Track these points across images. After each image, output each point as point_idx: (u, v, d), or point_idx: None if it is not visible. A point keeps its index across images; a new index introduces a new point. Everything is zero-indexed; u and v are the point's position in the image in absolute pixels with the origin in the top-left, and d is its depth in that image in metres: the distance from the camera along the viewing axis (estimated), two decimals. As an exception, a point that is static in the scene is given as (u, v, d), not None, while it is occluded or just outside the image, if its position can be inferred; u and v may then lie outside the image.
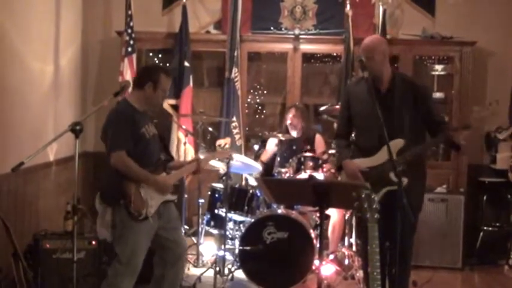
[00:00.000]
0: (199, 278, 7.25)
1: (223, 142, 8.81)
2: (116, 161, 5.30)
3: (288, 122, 8.22)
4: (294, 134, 8.18)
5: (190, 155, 8.53)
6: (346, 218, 7.90)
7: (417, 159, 5.59)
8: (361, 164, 5.75)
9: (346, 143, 6.06)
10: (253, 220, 7.23)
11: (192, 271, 7.65)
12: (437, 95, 9.27)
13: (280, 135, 8.03)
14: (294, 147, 8.05)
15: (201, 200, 7.93)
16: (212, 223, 7.82)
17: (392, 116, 5.50)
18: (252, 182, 8.05)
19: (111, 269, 5.52)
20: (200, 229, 7.94)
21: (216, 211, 7.72)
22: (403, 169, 5.28)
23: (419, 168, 5.75)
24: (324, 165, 7.61)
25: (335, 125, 7.87)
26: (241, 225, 7.61)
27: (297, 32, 9.29)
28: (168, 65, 8.96)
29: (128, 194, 5.29)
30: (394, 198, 4.96)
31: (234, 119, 8.93)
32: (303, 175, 7.48)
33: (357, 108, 5.84)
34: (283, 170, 7.74)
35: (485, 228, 8.80)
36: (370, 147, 5.71)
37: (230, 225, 7.68)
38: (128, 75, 8.54)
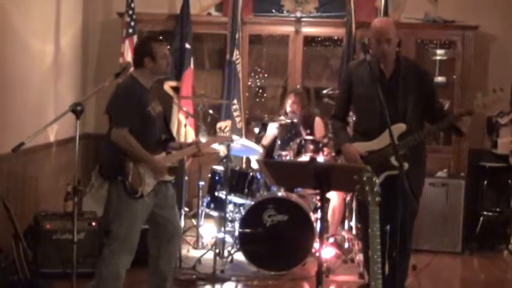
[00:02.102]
0: (199, 260, 7.25)
1: (223, 125, 8.80)
2: (117, 137, 5.30)
3: (288, 108, 8.20)
4: (293, 118, 8.15)
5: (191, 137, 8.51)
6: (347, 201, 7.90)
7: (418, 144, 5.58)
8: (361, 148, 5.71)
9: (342, 125, 6.02)
10: (253, 203, 7.24)
11: (192, 253, 7.66)
12: (439, 79, 9.25)
13: (281, 117, 8.02)
14: (294, 132, 8.03)
15: (202, 183, 7.93)
16: (212, 205, 7.84)
17: (396, 99, 5.47)
18: (254, 164, 8.05)
19: (106, 247, 5.48)
20: (200, 211, 7.94)
21: (216, 193, 7.73)
22: (404, 154, 5.27)
23: (420, 153, 5.72)
24: (324, 149, 7.60)
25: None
26: (241, 207, 7.61)
27: (298, 14, 9.26)
28: (168, 47, 8.93)
29: (126, 170, 5.29)
30: (394, 183, 4.96)
31: (235, 101, 8.92)
32: (304, 158, 7.47)
33: (359, 90, 5.79)
34: (283, 153, 7.73)
35: (485, 213, 8.81)
36: (371, 131, 5.68)
37: (230, 207, 7.69)
38: (129, 56, 8.51)
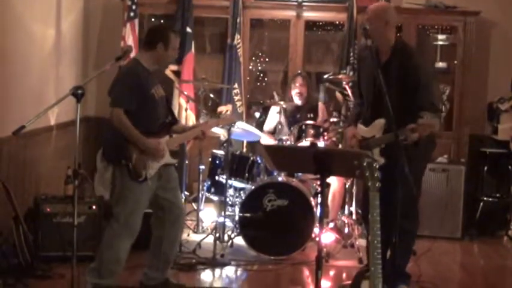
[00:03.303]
0: (199, 244, 7.26)
1: (224, 109, 8.81)
2: (113, 116, 5.36)
3: (296, 90, 8.17)
4: (298, 102, 8.15)
5: (192, 121, 8.51)
6: (347, 186, 7.91)
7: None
8: (360, 132, 5.77)
9: (358, 102, 6.12)
10: (253, 187, 7.25)
11: (192, 237, 7.67)
12: (440, 64, 9.25)
13: (282, 102, 8.00)
14: (298, 116, 8.03)
15: (202, 167, 7.92)
16: (212, 189, 7.84)
17: (389, 88, 5.37)
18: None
19: (108, 229, 5.55)
20: (200, 195, 7.95)
21: (216, 178, 7.74)
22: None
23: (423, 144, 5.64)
24: (325, 134, 7.59)
25: (337, 94, 7.89)
26: (241, 192, 7.62)
27: (300, -1, 9.25)
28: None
29: (130, 154, 5.31)
30: (392, 169, 4.96)
31: (236, 85, 8.91)
32: (304, 143, 7.47)
33: (363, 73, 5.84)
34: (284, 137, 7.73)
35: (485, 198, 8.80)
36: (364, 115, 5.76)
37: (230, 191, 7.69)
38: (130, 40, 8.52)
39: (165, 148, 5.56)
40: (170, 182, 5.70)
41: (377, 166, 3.92)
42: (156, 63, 5.64)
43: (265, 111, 8.69)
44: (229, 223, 7.52)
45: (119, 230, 5.45)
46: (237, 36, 8.89)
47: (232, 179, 7.50)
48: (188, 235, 7.71)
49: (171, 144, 5.63)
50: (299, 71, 8.61)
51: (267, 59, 10.08)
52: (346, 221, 7.86)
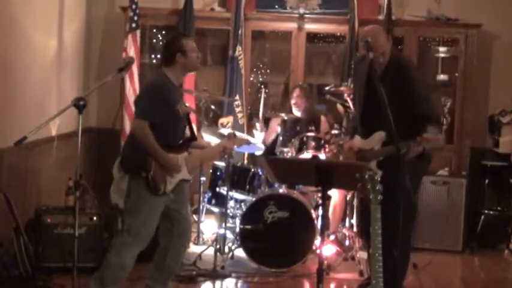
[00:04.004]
0: (199, 256, 7.27)
1: (225, 120, 8.79)
2: (136, 127, 5.40)
3: (292, 101, 8.22)
4: (297, 114, 8.18)
5: (193, 132, 8.50)
6: (348, 198, 7.90)
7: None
8: (357, 143, 5.78)
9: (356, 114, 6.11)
10: (254, 199, 7.25)
11: (193, 249, 7.65)
12: (441, 77, 9.23)
13: (283, 114, 8.01)
14: (298, 128, 8.03)
15: (203, 178, 7.93)
16: (213, 201, 7.84)
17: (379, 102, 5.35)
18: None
19: (118, 238, 5.59)
20: (201, 207, 7.95)
21: (217, 189, 7.74)
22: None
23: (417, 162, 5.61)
24: (326, 146, 7.60)
25: (338, 106, 7.88)
26: (242, 203, 7.62)
27: (301, 11, 9.24)
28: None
29: (149, 167, 5.32)
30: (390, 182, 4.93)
31: (237, 97, 8.91)
32: (306, 155, 7.48)
33: (356, 84, 5.85)
34: (285, 149, 7.73)
35: (486, 211, 8.79)
36: (356, 126, 5.77)
37: (231, 203, 7.69)
38: (132, 51, 8.51)
39: (183, 164, 5.58)
40: (181, 196, 5.73)
41: (378, 179, 3.92)
42: (184, 74, 5.74)
43: (266, 122, 8.70)
44: (229, 235, 7.52)
45: (130, 240, 5.46)
46: (239, 48, 8.90)
47: (233, 190, 7.50)
48: (189, 247, 7.69)
49: (190, 161, 5.66)
50: (300, 83, 8.63)
51: (268, 71, 10.07)
52: (347, 234, 7.86)
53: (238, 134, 7.01)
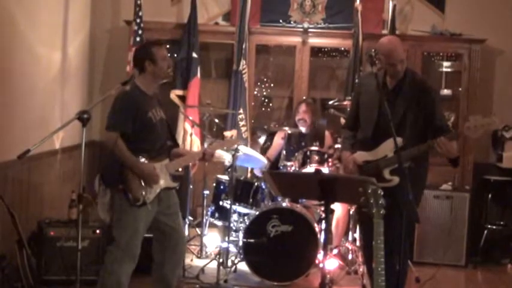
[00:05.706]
0: (202, 269, 7.26)
1: (229, 134, 8.81)
2: (107, 139, 5.41)
3: (299, 117, 8.22)
4: (303, 129, 8.19)
5: (196, 146, 8.51)
6: (351, 212, 7.89)
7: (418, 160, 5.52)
8: (359, 157, 5.74)
9: (351, 134, 6.03)
10: (257, 213, 7.25)
11: (196, 262, 7.66)
12: (445, 91, 9.25)
13: (287, 128, 8.01)
14: (303, 143, 8.05)
15: (206, 192, 7.94)
16: (216, 215, 7.84)
17: (394, 113, 5.41)
18: (258, 173, 8.07)
19: (108, 255, 5.50)
20: (204, 220, 7.96)
21: (220, 203, 7.74)
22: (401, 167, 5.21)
23: (418, 171, 5.63)
24: (330, 160, 7.60)
25: (342, 120, 7.88)
26: (245, 217, 7.61)
27: (305, 25, 9.27)
28: (176, 55, 8.95)
29: (126, 179, 5.31)
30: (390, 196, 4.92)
31: (241, 111, 8.93)
32: (309, 169, 7.48)
33: (364, 99, 5.82)
34: (288, 163, 7.73)
35: (489, 226, 8.78)
36: (365, 140, 5.73)
37: (234, 217, 7.69)
38: (136, 65, 8.53)
39: (165, 172, 5.57)
40: (171, 208, 5.68)
41: (381, 193, 3.92)
42: (155, 81, 5.65)
43: (270, 136, 8.71)
44: (233, 248, 7.51)
45: (119, 254, 5.42)
46: (243, 62, 8.91)
47: (237, 204, 7.50)
48: (192, 260, 7.71)
49: (171, 168, 5.64)
50: (304, 97, 8.64)
51: (272, 85, 10.09)
52: (350, 248, 7.85)
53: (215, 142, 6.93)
